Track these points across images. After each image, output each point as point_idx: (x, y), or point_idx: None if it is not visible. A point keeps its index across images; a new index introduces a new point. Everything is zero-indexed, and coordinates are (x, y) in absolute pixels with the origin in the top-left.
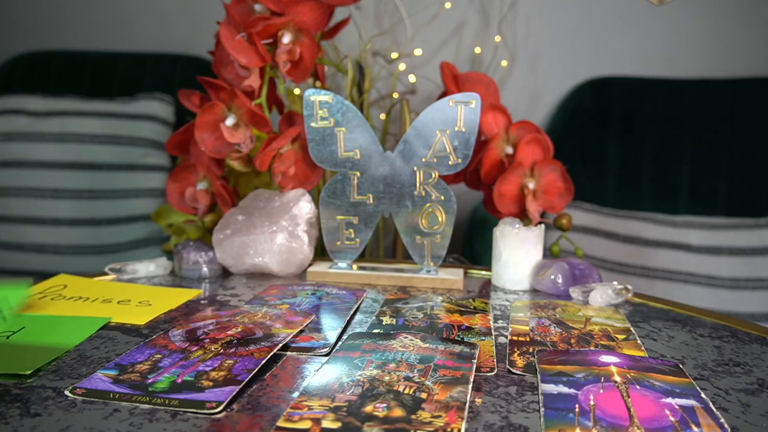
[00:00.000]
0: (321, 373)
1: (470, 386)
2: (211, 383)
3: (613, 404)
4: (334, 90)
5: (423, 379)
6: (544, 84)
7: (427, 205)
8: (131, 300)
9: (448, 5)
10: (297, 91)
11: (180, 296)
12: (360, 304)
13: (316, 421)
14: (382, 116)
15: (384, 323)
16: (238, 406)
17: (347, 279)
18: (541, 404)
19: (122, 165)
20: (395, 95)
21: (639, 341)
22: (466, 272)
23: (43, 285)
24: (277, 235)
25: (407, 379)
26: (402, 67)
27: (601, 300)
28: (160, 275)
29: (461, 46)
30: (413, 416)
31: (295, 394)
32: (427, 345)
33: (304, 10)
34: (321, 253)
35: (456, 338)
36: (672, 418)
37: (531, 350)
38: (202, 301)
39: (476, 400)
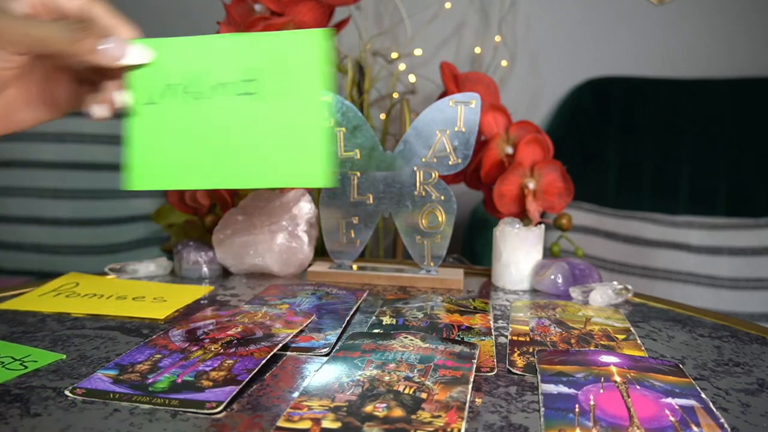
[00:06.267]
0: (321, 373)
1: (470, 386)
2: (211, 383)
3: (613, 404)
4: (334, 90)
5: (423, 379)
6: (544, 84)
7: (427, 205)
8: (146, 297)
9: (448, 5)
10: None
11: (192, 293)
12: (360, 304)
13: (316, 421)
14: (382, 116)
15: (384, 323)
16: (238, 406)
17: (347, 279)
18: (541, 404)
19: (122, 165)
20: (395, 95)
21: (639, 341)
22: (466, 272)
23: (56, 283)
24: (277, 235)
25: (407, 379)
26: (402, 67)
27: (601, 300)
28: (160, 275)
29: (461, 46)
30: (413, 416)
31: (295, 394)
32: (427, 345)
33: (304, 10)
34: (321, 253)
35: (456, 338)
36: (672, 418)
37: (531, 350)
38: (202, 301)
39: (476, 400)
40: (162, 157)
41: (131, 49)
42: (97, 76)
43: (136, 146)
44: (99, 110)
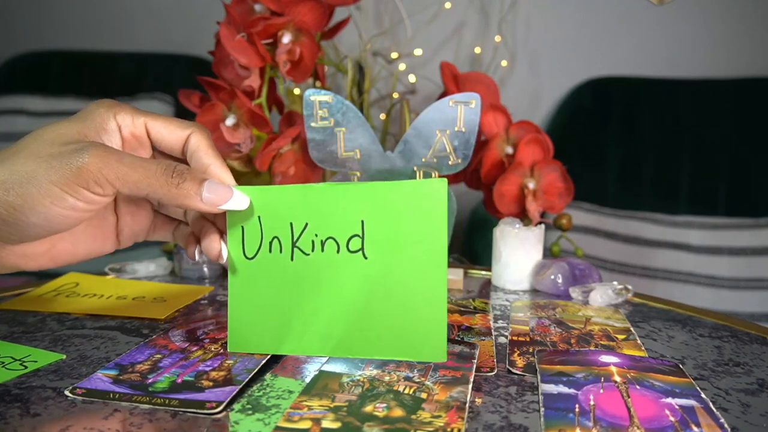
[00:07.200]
0: (321, 373)
1: (470, 386)
2: (211, 383)
3: (613, 404)
4: (334, 90)
5: (423, 379)
6: (544, 84)
7: None
8: (145, 297)
9: (448, 5)
10: (297, 91)
11: (192, 293)
12: None
13: (316, 421)
14: (382, 116)
15: None
16: (238, 406)
17: None
18: (541, 404)
19: None
20: (395, 95)
21: (639, 341)
22: (466, 272)
23: (55, 283)
24: None
25: (407, 379)
26: (402, 67)
27: (601, 300)
28: (160, 275)
29: (461, 46)
30: (413, 416)
31: (295, 394)
32: None
33: (304, 10)
34: None
35: (456, 338)
36: (672, 418)
37: (531, 350)
38: (202, 301)
39: (476, 400)
40: (261, 319)
41: (234, 196)
42: (186, 216)
43: (234, 304)
44: (192, 252)
